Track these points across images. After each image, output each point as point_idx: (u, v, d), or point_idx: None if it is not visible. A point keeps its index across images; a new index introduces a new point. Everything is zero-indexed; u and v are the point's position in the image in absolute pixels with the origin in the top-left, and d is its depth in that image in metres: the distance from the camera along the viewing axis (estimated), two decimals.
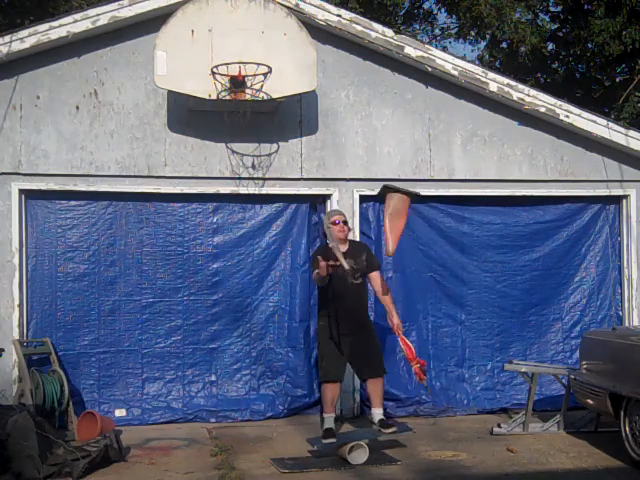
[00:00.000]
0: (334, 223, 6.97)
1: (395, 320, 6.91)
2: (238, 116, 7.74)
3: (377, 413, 6.97)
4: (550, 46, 19.49)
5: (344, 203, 8.34)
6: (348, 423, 7.93)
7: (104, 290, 8.11)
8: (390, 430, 6.82)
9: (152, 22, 7.90)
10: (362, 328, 6.98)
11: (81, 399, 7.94)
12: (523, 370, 7.72)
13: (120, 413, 7.98)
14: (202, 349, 8.27)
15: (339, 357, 6.91)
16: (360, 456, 6.45)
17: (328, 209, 8.29)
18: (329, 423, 6.83)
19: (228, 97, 7.61)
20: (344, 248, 6.95)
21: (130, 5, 7.84)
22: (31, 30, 7.74)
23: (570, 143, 8.87)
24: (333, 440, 6.67)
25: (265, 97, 7.65)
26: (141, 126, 8.10)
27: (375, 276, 7.06)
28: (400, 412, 8.32)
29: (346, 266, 6.42)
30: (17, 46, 7.67)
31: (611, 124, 8.84)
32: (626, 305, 8.96)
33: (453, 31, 21.28)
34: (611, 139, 8.77)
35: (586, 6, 17.69)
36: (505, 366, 7.88)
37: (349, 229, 7.17)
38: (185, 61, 7.51)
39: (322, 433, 6.81)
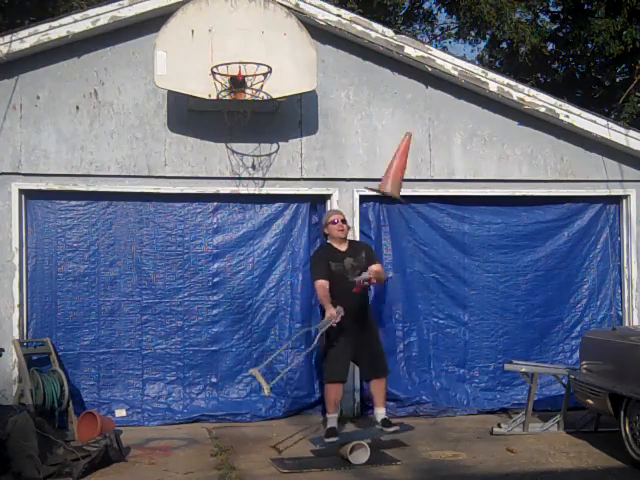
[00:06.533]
0: (333, 222, 6.98)
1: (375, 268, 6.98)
2: (238, 116, 7.74)
3: (380, 413, 6.96)
4: (550, 46, 19.47)
5: (344, 203, 8.34)
6: (349, 423, 7.93)
7: (104, 290, 8.11)
8: (392, 429, 6.82)
9: (152, 22, 7.90)
10: (366, 327, 6.95)
11: (81, 399, 7.94)
12: (523, 370, 7.72)
13: (120, 413, 7.97)
14: (203, 351, 8.25)
15: (344, 358, 6.87)
16: (362, 456, 6.46)
17: (328, 209, 8.29)
18: (332, 422, 6.81)
19: (228, 97, 7.61)
20: (343, 247, 6.97)
21: (130, 5, 7.84)
22: (31, 30, 7.75)
23: (570, 143, 8.87)
24: (335, 439, 6.67)
25: (265, 97, 7.65)
26: (141, 126, 8.10)
27: (374, 267, 6.96)
28: (400, 412, 8.30)
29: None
30: (17, 46, 7.68)
31: (611, 124, 8.83)
32: (626, 305, 8.95)
33: (453, 31, 21.29)
34: (611, 139, 8.76)
35: (586, 6, 17.70)
36: (505, 366, 7.88)
37: (348, 228, 7.15)
38: (185, 61, 7.51)
39: (325, 432, 6.81)
